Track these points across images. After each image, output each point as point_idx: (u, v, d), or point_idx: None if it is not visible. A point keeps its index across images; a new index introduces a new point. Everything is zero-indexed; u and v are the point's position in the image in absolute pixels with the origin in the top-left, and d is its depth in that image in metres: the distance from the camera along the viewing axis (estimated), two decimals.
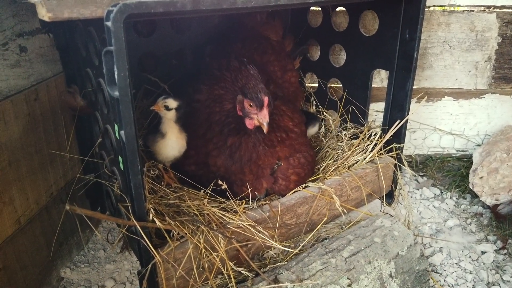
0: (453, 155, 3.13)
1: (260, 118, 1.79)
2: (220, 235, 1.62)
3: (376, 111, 2.96)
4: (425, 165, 3.12)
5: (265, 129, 1.78)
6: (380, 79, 2.97)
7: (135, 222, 1.41)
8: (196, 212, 1.72)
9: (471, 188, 2.68)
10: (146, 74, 2.36)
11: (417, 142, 3.10)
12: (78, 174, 2.09)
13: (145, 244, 1.44)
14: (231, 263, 1.56)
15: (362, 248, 1.84)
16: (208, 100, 2.09)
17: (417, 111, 2.97)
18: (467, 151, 3.10)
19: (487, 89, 2.93)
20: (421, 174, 3.07)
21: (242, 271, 1.59)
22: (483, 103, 2.95)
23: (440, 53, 2.84)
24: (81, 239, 2.26)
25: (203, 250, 1.59)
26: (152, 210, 1.47)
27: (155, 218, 1.45)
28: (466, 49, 2.82)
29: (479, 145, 3.03)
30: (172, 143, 1.94)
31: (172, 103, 1.87)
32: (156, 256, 1.44)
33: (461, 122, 3.02)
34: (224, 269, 1.59)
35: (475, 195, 2.74)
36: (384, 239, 1.89)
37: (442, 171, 3.07)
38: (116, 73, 1.25)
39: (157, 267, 1.56)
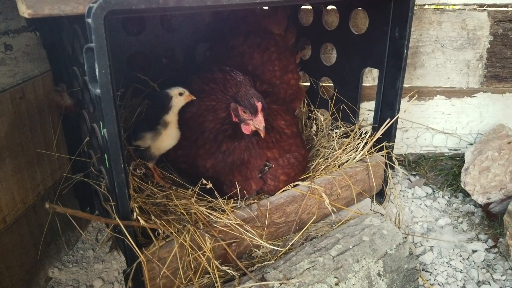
0: (445, 154, 3.12)
1: (256, 123, 1.80)
2: (206, 234, 1.60)
3: (369, 110, 2.96)
4: (418, 164, 3.12)
5: (262, 133, 1.79)
6: (372, 77, 2.96)
7: (118, 221, 1.40)
8: (183, 211, 1.71)
9: (463, 187, 2.67)
10: (136, 73, 2.34)
11: (410, 141, 3.10)
12: (66, 173, 2.07)
13: (129, 243, 1.42)
14: (216, 262, 1.55)
15: (351, 246, 1.83)
16: (200, 110, 2.07)
17: (409, 110, 2.96)
18: (459, 150, 3.09)
19: (479, 87, 2.92)
20: (413, 173, 3.06)
21: (228, 271, 1.57)
22: (475, 102, 2.95)
23: (432, 52, 2.83)
24: (70, 238, 2.25)
25: (189, 249, 1.58)
26: (136, 208, 1.45)
27: (139, 217, 1.43)
28: (457, 47, 2.81)
29: (471, 144, 3.02)
30: (173, 132, 1.98)
31: (182, 89, 1.97)
32: (139, 256, 1.43)
33: (454, 121, 3.02)
34: (211, 269, 1.58)
35: (467, 194, 2.73)
36: (373, 237, 1.89)
37: (434, 170, 3.07)
38: (97, 70, 1.24)
39: (143, 267, 1.55)
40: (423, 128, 3.05)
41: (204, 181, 1.70)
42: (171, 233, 1.59)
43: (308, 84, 2.87)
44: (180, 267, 1.55)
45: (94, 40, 1.20)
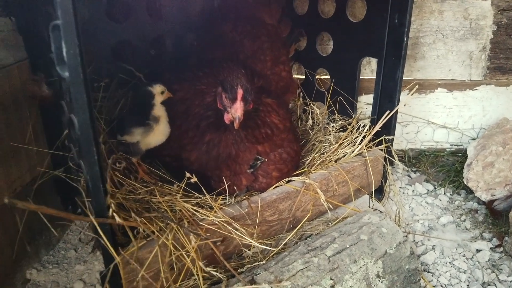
0: (447, 149, 3.00)
1: (232, 111, 1.67)
2: (191, 232, 1.48)
3: (367, 103, 2.83)
4: (418, 160, 3.00)
5: (235, 124, 1.66)
6: (371, 70, 2.85)
7: (92, 218, 1.27)
8: (166, 208, 1.58)
9: (465, 183, 2.56)
10: (121, 63, 2.22)
11: (410, 136, 2.98)
12: (44, 169, 1.94)
13: (104, 243, 1.30)
14: (201, 264, 1.43)
15: (347, 246, 1.71)
16: (188, 94, 1.97)
17: (409, 103, 2.85)
18: (461, 145, 2.98)
19: (482, 80, 2.81)
20: (413, 169, 2.94)
21: (213, 272, 1.45)
22: (478, 95, 2.83)
23: (432, 43, 2.71)
24: (50, 238, 2.12)
25: (172, 249, 1.46)
26: (113, 205, 1.33)
27: (115, 214, 1.31)
28: (460, 38, 2.70)
29: (473, 139, 2.91)
30: (164, 127, 1.88)
31: (163, 87, 1.88)
32: (114, 256, 1.30)
33: (455, 115, 2.90)
34: (195, 270, 1.45)
35: (469, 191, 2.62)
36: (371, 236, 1.76)
37: (435, 166, 2.95)
38: (64, 50, 1.11)
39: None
40: (423, 123, 2.93)
41: (188, 174, 1.57)
42: (153, 231, 1.46)
43: (304, 76, 2.75)
44: (162, 269, 1.43)
45: (60, 15, 1.08)
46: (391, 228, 1.82)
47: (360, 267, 1.65)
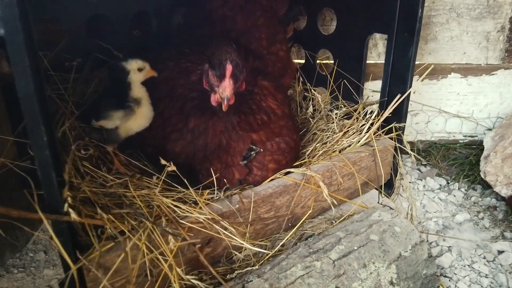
0: (460, 141, 2.76)
1: (220, 91, 1.42)
2: (169, 233, 1.23)
3: (373, 91, 2.57)
4: (428, 153, 2.75)
5: (223, 105, 1.42)
6: (377, 53, 2.60)
7: (40, 214, 1.03)
8: (141, 204, 1.33)
9: (483, 177, 2.32)
10: (96, 40, 1.96)
11: (419, 127, 2.73)
12: (3, 159, 1.69)
13: (56, 245, 1.05)
14: (179, 270, 1.17)
15: (355, 247, 1.46)
16: (173, 73, 1.73)
17: (419, 90, 2.60)
18: (476, 136, 2.73)
19: (499, 64, 2.57)
20: (423, 163, 2.69)
21: (194, 281, 1.19)
22: (495, 81, 2.59)
23: (446, 22, 2.47)
24: (18, 238, 1.87)
25: (146, 252, 1.21)
26: (70, 198, 1.07)
27: (70, 210, 1.06)
28: (476, 17, 2.45)
29: (489, 129, 2.66)
30: (147, 110, 1.64)
31: (142, 63, 1.61)
32: (69, 263, 1.05)
33: (470, 103, 2.66)
34: (173, 278, 1.20)
35: (487, 186, 2.38)
36: (383, 236, 1.52)
37: (447, 159, 2.71)
38: None
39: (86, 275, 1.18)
40: (434, 112, 2.68)
41: (164, 161, 1.31)
42: (123, 231, 1.21)
43: (304, 61, 2.50)
44: (132, 276, 1.18)
45: None
46: (405, 227, 1.57)
47: (371, 273, 1.40)
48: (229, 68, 1.41)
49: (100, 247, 1.14)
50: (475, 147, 2.69)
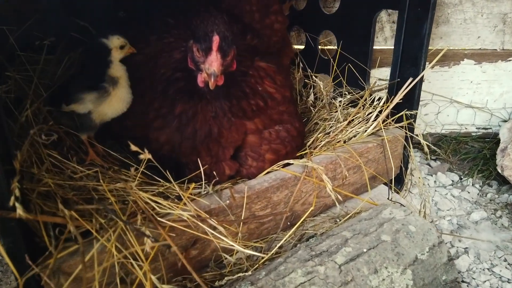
0: (472, 133, 2.56)
1: (206, 67, 1.23)
2: (143, 233, 1.03)
3: (379, 79, 2.37)
4: (438, 147, 2.55)
5: (210, 83, 1.24)
6: (384, 38, 2.40)
7: None
8: (112, 199, 1.13)
9: (499, 171, 2.13)
10: (73, 18, 1.76)
11: (429, 118, 2.53)
12: None
13: None
14: (153, 278, 0.97)
15: (365, 250, 1.26)
16: (154, 51, 1.54)
17: (429, 78, 2.40)
18: (490, 128, 2.54)
19: None
20: (433, 157, 2.49)
21: None
22: None
23: (459, 3, 2.27)
24: None
25: (116, 255, 1.01)
26: (18, 190, 0.87)
27: (17, 204, 0.85)
28: None
29: (505, 121, 2.46)
30: (124, 92, 1.46)
31: (123, 40, 1.46)
32: (12, 269, 0.85)
33: (484, 92, 2.46)
34: (148, 286, 1.00)
35: (503, 181, 2.20)
36: (396, 236, 1.32)
37: (459, 153, 2.51)
38: None
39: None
40: (445, 102, 2.49)
41: (135, 147, 1.10)
42: (88, 231, 1.01)
43: (303, 47, 2.30)
44: (98, 285, 0.97)
45: None
46: (421, 226, 1.37)
47: (383, 279, 1.20)
48: (215, 39, 1.22)
49: (57, 251, 0.94)
50: (489, 140, 2.50)
